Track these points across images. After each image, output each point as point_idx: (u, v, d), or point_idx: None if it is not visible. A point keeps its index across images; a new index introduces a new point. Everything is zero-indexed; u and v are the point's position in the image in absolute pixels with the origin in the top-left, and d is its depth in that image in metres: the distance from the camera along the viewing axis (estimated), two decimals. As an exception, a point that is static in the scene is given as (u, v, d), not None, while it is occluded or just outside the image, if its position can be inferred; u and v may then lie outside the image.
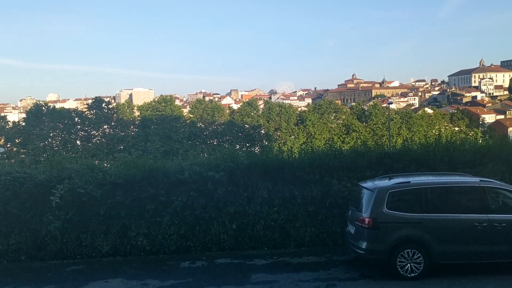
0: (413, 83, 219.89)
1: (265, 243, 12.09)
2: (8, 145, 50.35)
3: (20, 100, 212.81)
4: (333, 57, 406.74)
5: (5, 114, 68.68)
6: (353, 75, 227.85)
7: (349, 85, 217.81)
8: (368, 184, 10.15)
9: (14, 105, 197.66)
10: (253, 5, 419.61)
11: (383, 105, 77.81)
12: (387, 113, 64.40)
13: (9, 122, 54.57)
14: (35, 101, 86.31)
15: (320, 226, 12.06)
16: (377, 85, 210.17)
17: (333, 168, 12.07)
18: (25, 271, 11.03)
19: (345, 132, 63.79)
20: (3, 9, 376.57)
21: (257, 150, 53.00)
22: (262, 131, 63.20)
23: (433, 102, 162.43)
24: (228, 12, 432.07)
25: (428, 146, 13.00)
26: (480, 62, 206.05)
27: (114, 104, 67.41)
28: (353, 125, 63.52)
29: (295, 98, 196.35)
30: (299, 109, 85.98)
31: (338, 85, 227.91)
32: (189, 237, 11.97)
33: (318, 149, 13.66)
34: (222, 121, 63.17)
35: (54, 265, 11.30)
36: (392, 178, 10.14)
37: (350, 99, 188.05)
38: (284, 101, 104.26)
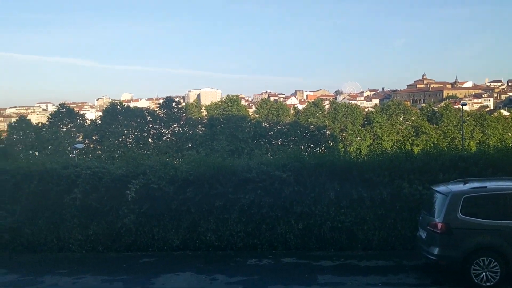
0: (488, 84, 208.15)
1: (331, 244, 12.00)
2: (86, 142, 53.33)
3: (97, 99, 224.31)
4: (402, 57, 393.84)
5: (84, 112, 72.70)
6: (423, 75, 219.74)
7: (419, 86, 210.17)
8: (442, 188, 9.80)
9: (91, 104, 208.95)
10: (318, 5, 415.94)
11: (455, 107, 74.42)
12: (459, 115, 61.73)
13: (87, 120, 57.87)
14: (110, 100, 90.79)
15: (389, 230, 11.79)
16: (449, 86, 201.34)
17: (403, 171, 11.76)
18: (102, 261, 11.69)
19: (414, 134, 61.77)
20: (82, 14, 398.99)
21: (321, 151, 52.60)
22: (327, 132, 62.63)
23: (510, 103, 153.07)
24: (294, 12, 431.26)
25: (507, 149, 12.31)
26: None
27: (183, 103, 69.51)
28: (422, 127, 61.42)
29: (362, 98, 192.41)
30: (366, 110, 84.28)
31: (407, 85, 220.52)
32: (256, 235, 12.13)
33: (387, 151, 13.35)
34: (287, 121, 63.27)
35: (129, 256, 11.87)
36: (467, 183, 9.71)
37: (420, 100, 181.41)
38: (350, 102, 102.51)
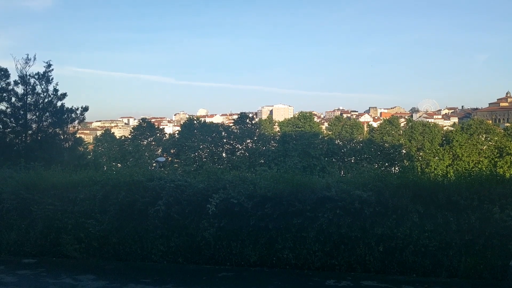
0: None
1: (413, 269, 11.50)
2: (164, 155, 55.49)
3: (175, 114, 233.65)
4: (484, 73, 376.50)
5: (162, 126, 75.76)
6: (507, 93, 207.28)
7: (502, 104, 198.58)
8: (539, 215, 9.13)
9: (169, 119, 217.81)
10: (396, 19, 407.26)
11: (544, 127, 69.32)
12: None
13: (166, 134, 60.42)
14: (187, 115, 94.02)
15: (476, 257, 11.11)
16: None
17: (494, 195, 11.08)
18: (183, 272, 11.98)
19: (498, 155, 58.26)
20: (162, 33, 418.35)
21: (396, 170, 50.97)
22: (403, 151, 60.71)
23: None
24: (369, 27, 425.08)
25: None
26: None
27: (257, 120, 70.46)
28: (507, 148, 57.81)
29: (439, 116, 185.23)
30: (445, 128, 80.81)
31: (489, 103, 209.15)
32: (334, 255, 11.90)
33: (469, 172, 12.69)
34: (360, 139, 62.17)
35: (207, 270, 12.08)
36: None
37: (504, 119, 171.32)
38: (428, 120, 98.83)
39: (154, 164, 29.75)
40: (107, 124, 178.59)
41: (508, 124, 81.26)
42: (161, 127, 67.48)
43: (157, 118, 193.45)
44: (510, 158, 56.33)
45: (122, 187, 13.01)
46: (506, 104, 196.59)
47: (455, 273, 11.25)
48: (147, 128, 58.16)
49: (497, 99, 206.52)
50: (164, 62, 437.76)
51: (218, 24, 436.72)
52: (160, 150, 56.13)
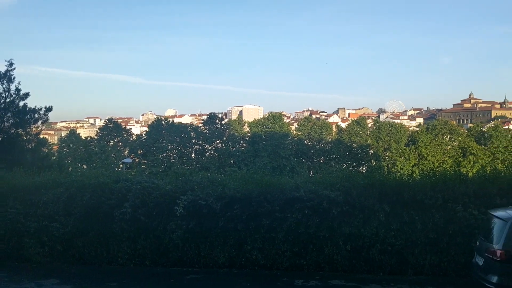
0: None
1: (380, 268, 11.66)
2: (131, 156, 54.68)
3: (142, 115, 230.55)
4: (448, 75, 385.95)
5: (129, 127, 74.73)
6: (470, 94, 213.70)
7: (465, 105, 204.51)
8: (500, 213, 9.38)
9: (137, 119, 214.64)
10: (363, 23, 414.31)
11: (504, 127, 71.77)
12: (509, 135, 59.43)
13: (133, 135, 59.54)
14: (155, 115, 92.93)
15: (441, 255, 11.34)
16: (497, 106, 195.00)
17: (458, 194, 11.34)
18: (150, 275, 11.81)
19: (462, 155, 59.82)
20: (129, 32, 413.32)
21: (364, 170, 51.77)
22: (371, 151, 61.65)
23: None
24: (337, 30, 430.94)
25: None
26: None
27: (226, 120, 70.33)
28: (470, 148, 59.38)
29: (406, 117, 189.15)
30: (410, 129, 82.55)
31: (453, 104, 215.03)
32: (303, 255, 11.94)
33: (433, 172, 12.95)
34: (329, 139, 62.81)
35: (175, 272, 11.93)
36: (529, 208, 9.27)
37: (467, 119, 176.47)
38: (394, 121, 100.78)
39: (121, 166, 29.21)
40: (72, 125, 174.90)
41: (471, 125, 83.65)
42: (128, 127, 66.71)
43: (124, 118, 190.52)
44: (473, 158, 57.93)
45: (87, 189, 12.73)
46: (469, 105, 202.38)
47: (421, 270, 11.45)
48: (113, 128, 57.23)
49: (461, 100, 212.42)
50: (131, 61, 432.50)
51: (188, 23, 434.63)
52: (127, 151, 55.29)
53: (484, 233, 9.65)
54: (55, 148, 59.39)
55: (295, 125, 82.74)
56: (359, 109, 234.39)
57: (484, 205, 10.90)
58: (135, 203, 12.39)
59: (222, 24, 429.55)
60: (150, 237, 12.52)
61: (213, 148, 57.64)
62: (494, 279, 8.75)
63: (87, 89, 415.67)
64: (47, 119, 30.23)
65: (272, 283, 10.94)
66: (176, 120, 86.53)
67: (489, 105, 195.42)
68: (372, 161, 60.46)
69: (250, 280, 11.10)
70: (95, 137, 59.06)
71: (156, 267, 12.45)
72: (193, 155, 56.61)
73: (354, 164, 60.12)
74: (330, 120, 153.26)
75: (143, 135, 58.40)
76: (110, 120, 60.90)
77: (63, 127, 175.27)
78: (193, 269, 12.14)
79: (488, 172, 12.21)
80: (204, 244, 12.28)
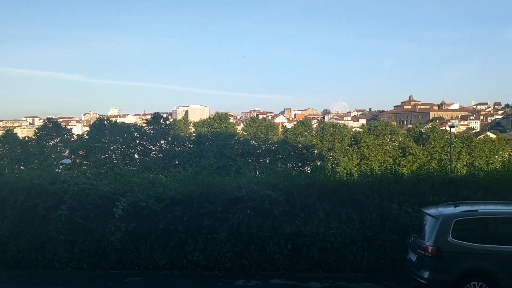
0: (474, 106, 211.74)
1: (320, 266, 11.90)
2: (72, 157, 52.71)
3: (84, 114, 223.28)
4: (389, 78, 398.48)
5: (70, 127, 72.10)
6: (410, 97, 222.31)
7: (405, 107, 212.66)
8: (432, 211, 9.79)
9: (78, 119, 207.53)
10: (308, 25, 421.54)
11: (441, 128, 75.27)
12: (446, 136, 62.35)
13: (74, 135, 57.41)
14: (98, 115, 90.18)
15: (378, 252, 11.73)
16: (435, 107, 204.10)
17: (393, 192, 11.76)
18: (87, 279, 11.46)
19: (401, 155, 62.10)
20: (71, 29, 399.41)
21: (309, 170, 52.59)
22: (315, 151, 62.69)
23: (496, 126, 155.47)
24: (283, 31, 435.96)
25: (497, 173, 12.40)
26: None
27: (171, 120, 69.30)
28: (409, 148, 61.75)
29: (349, 118, 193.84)
30: (353, 129, 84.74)
31: (394, 106, 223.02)
32: (244, 255, 11.98)
33: (375, 171, 13.35)
34: (275, 140, 63.30)
35: (114, 275, 11.65)
36: (458, 206, 9.72)
37: (407, 121, 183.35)
38: (338, 121, 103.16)
39: (61, 167, 28.15)
40: (9, 124, 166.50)
41: (410, 126, 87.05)
42: (69, 127, 64.27)
43: (65, 118, 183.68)
44: (412, 158, 60.23)
45: (21, 191, 12.20)
46: (409, 107, 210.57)
47: (359, 268, 11.78)
48: (53, 128, 54.90)
49: (401, 102, 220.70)
50: (74, 59, 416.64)
51: (133, 22, 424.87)
52: (67, 152, 53.25)
53: (417, 230, 10.02)
54: (-11, 148, 56.41)
55: (242, 125, 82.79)
56: (305, 109, 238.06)
57: (418, 203, 11.37)
58: (72, 205, 12.00)
59: (168, 22, 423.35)
60: (88, 240, 12.16)
61: (158, 148, 56.64)
62: (426, 274, 9.10)
63: (25, 87, 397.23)
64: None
65: (213, 284, 10.89)
66: (120, 120, 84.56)
67: (428, 107, 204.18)
68: (317, 161, 61.47)
69: (191, 282, 11.00)
70: (33, 137, 56.48)
71: (94, 270, 12.11)
72: (136, 156, 55.30)
73: (300, 164, 60.83)
74: (277, 120, 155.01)
75: (85, 135, 56.48)
76: (49, 119, 58.41)
77: (0, 126, 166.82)
78: (133, 272, 11.91)
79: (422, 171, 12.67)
80: (144, 246, 12.06)
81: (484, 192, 11.52)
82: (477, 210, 9.29)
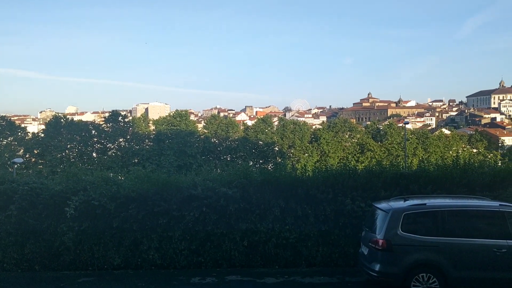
0: (430, 103, 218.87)
1: (276, 261, 12.01)
2: (27, 156, 51.08)
3: (40, 112, 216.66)
4: (349, 76, 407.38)
5: (25, 125, 69.36)
6: (368, 94, 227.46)
7: (364, 104, 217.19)
8: (383, 205, 10.05)
9: (34, 117, 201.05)
10: (269, 23, 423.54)
11: (398, 125, 77.18)
12: (402, 133, 63.98)
13: (28, 133, 55.50)
14: (54, 113, 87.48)
15: (332, 246, 11.95)
16: (393, 105, 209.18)
17: (347, 188, 12.00)
18: (38, 280, 11.14)
19: (360, 151, 63.43)
20: (26, 23, 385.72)
21: (270, 167, 52.89)
22: (276, 148, 63.09)
23: (451, 123, 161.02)
24: (244, 29, 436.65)
25: (446, 167, 12.83)
26: (500, 83, 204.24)
27: (130, 118, 68.17)
28: (368, 145, 63.16)
29: (310, 115, 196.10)
30: (314, 127, 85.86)
31: (354, 103, 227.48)
32: (200, 253, 11.95)
33: (332, 167, 13.58)
34: (236, 137, 63.26)
35: (67, 276, 11.37)
36: (408, 200, 10.03)
37: (366, 118, 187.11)
38: (299, 119, 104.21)
39: (16, 166, 27.21)
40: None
41: (369, 123, 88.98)
42: (24, 125, 61.91)
43: (21, 116, 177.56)
44: (371, 154, 61.58)
45: (-33, 191, 11.70)
46: (368, 104, 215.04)
47: (313, 262, 11.97)
48: (6, 126, 52.94)
49: (360, 99, 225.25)
50: (29, 56, 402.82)
51: (91, 18, 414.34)
52: (22, 151, 51.46)
53: (368, 224, 10.27)
54: None
55: (203, 123, 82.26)
56: (266, 107, 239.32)
57: (370, 198, 11.64)
58: (22, 205, 11.66)
59: (126, 19, 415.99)
60: (39, 241, 11.84)
61: (116, 147, 55.57)
62: (377, 267, 9.35)
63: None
64: None
65: (168, 282, 10.80)
66: (77, 117, 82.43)
67: (386, 104, 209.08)
68: (278, 158, 61.88)
69: (146, 281, 10.86)
70: (-15, 135, 54.29)
71: (46, 271, 11.80)
72: (94, 154, 54.08)
73: (261, 161, 61.12)
74: (238, 118, 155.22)
75: (40, 133, 54.71)
76: (2, 117, 56.26)
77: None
78: (87, 272, 11.67)
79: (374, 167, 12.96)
80: (98, 246, 11.85)
81: (433, 186, 11.93)
82: (425, 204, 9.60)
